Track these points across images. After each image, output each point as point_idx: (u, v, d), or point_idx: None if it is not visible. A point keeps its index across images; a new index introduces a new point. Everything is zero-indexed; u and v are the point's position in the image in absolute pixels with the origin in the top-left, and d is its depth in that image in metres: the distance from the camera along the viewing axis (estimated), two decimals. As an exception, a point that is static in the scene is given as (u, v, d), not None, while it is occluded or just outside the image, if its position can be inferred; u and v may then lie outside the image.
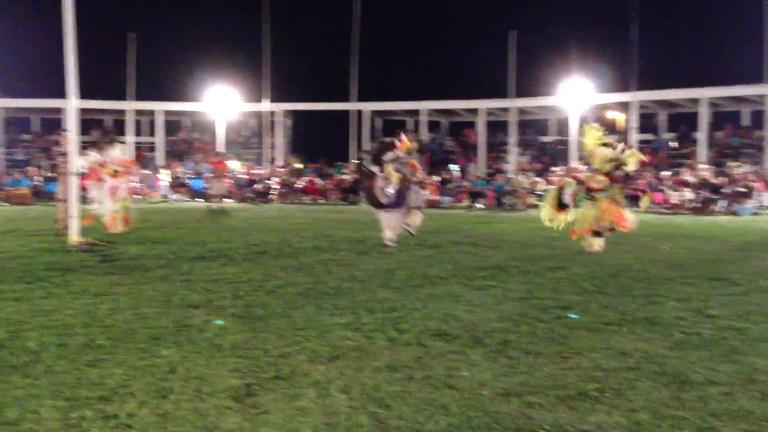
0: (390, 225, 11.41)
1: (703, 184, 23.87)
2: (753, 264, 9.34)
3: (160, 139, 34.57)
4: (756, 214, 21.19)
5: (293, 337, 5.23)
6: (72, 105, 11.27)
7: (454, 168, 31.83)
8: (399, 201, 11.44)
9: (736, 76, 29.01)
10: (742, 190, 22.93)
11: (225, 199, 25.43)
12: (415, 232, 11.99)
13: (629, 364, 4.54)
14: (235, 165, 32.08)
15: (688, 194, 24.00)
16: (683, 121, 31.80)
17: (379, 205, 11.54)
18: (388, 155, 11.74)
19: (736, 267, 9.01)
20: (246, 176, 31.37)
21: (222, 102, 34.10)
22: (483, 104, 33.59)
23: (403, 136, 12.25)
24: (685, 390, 4.05)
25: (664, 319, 5.90)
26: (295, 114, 36.85)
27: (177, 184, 30.34)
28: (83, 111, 33.50)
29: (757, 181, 24.00)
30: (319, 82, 36.68)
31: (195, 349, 4.93)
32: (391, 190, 11.45)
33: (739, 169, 24.74)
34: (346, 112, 34.37)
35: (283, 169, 32.01)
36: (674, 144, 31.49)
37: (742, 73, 29.07)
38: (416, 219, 11.94)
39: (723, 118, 31.17)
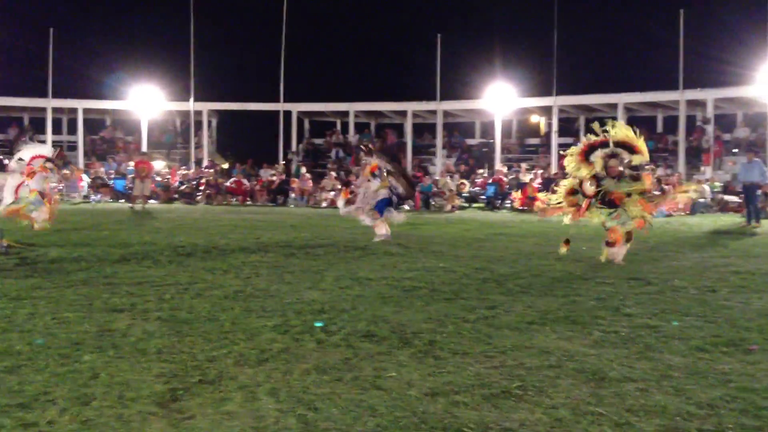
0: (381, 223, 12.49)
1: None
2: (667, 264, 9.69)
3: (80, 137, 33.66)
4: (670, 215, 21.89)
5: (220, 341, 5.19)
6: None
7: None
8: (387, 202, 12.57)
9: (652, 83, 30.02)
10: (656, 193, 23.62)
11: (149, 200, 24.98)
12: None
13: (551, 363, 4.67)
14: (159, 165, 31.52)
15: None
16: (601, 126, 32.58)
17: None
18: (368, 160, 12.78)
19: (651, 267, 9.33)
20: (171, 177, 30.85)
21: (146, 100, 33.40)
22: (410, 106, 33.85)
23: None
24: (603, 387, 4.19)
25: (584, 318, 6.08)
26: (222, 114, 36.41)
27: (99, 185, 29.61)
28: (0, 108, 32.69)
29: (671, 185, 24.80)
30: (246, 82, 36.37)
31: (118, 354, 4.84)
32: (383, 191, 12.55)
33: (653, 172, 25.50)
34: (274, 113, 34.14)
35: (209, 170, 31.59)
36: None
37: (658, 79, 30.08)
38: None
39: (639, 123, 32.02)
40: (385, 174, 12.69)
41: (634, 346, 5.11)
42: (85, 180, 29.19)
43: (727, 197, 24.35)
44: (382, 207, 12.60)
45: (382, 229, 12.52)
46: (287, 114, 34.24)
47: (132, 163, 27.44)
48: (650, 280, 8.16)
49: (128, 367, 4.55)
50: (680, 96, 28.63)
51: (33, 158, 13.89)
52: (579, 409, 3.82)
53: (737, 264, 9.76)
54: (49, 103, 32.83)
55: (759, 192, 19.09)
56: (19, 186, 13.55)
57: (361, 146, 15.85)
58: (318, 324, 5.50)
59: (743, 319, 6.05)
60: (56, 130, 33.95)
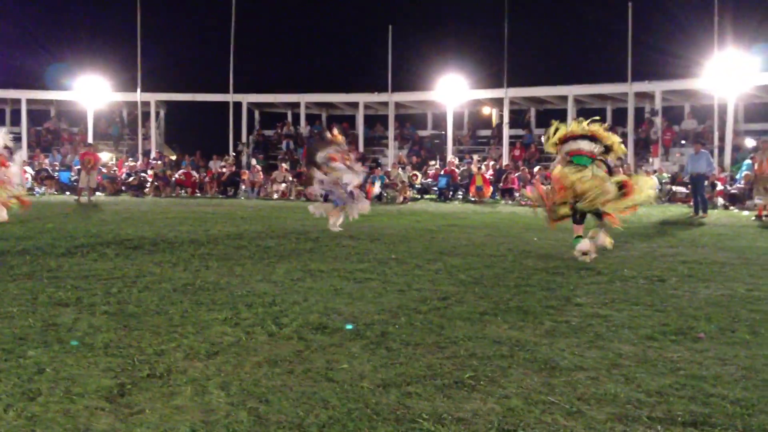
0: (334, 213, 12.94)
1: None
2: (616, 254, 9.83)
3: (24, 129, 32.87)
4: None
5: (169, 334, 5.11)
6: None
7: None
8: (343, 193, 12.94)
9: (601, 75, 30.42)
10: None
11: (95, 193, 24.53)
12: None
13: (502, 352, 4.69)
14: (106, 157, 30.95)
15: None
16: (552, 118, 32.98)
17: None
18: (321, 154, 13.14)
19: (601, 257, 9.45)
20: (118, 168, 30.33)
21: (92, 91, 32.72)
22: (362, 98, 33.81)
23: (335, 130, 13.94)
24: (554, 376, 4.22)
25: (535, 308, 6.13)
26: (171, 105, 35.89)
27: (43, 177, 28.96)
28: (-60, 99, 31.80)
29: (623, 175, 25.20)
30: (195, 72, 35.91)
31: (64, 348, 4.74)
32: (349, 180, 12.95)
33: (603, 163, 25.88)
34: (223, 104, 33.79)
35: (157, 162, 31.13)
36: (544, 139, 32.65)
37: (607, 72, 30.51)
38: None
39: (588, 114, 32.42)
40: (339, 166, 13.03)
41: (585, 336, 5.17)
42: (29, 172, 28.53)
43: (675, 188, 24.83)
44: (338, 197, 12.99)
45: (338, 218, 12.95)
46: (237, 105, 33.92)
47: (78, 155, 26.89)
48: (600, 270, 8.28)
49: (74, 362, 4.45)
50: (629, 88, 29.10)
51: None
52: (531, 398, 3.84)
53: (685, 254, 9.96)
54: (-9, 93, 32.03)
55: (706, 183, 19.51)
56: None
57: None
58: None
59: (691, 308, 6.17)
60: (-1, 120, 33.15)
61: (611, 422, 3.52)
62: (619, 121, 31.46)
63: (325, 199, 13.25)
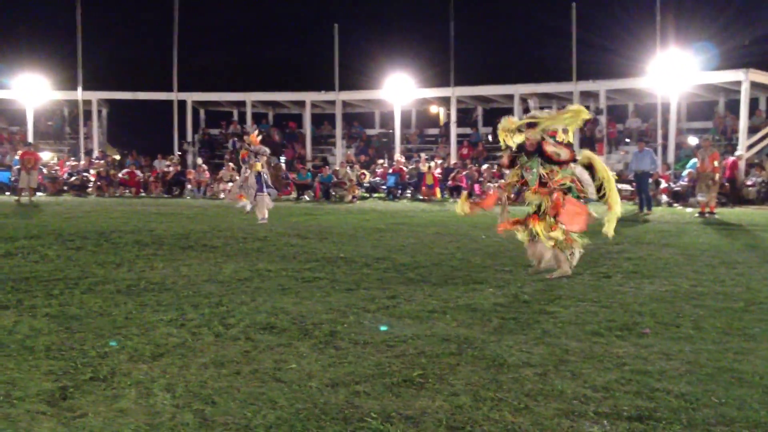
0: (261, 206, 14.13)
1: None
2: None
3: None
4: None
5: (113, 336, 5.02)
6: None
7: (281, 160, 31.70)
8: (264, 186, 14.28)
9: (547, 74, 30.78)
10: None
11: (36, 193, 23.95)
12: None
13: (451, 350, 4.71)
14: (47, 156, 30.25)
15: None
16: (499, 116, 33.27)
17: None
18: (252, 148, 14.56)
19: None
20: (59, 168, 29.66)
21: (31, 89, 31.90)
22: (309, 96, 33.64)
23: (254, 134, 15.24)
24: (502, 372, 4.25)
25: (484, 305, 6.17)
26: (113, 103, 35.20)
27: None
28: None
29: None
30: (138, 70, 35.26)
31: (4, 352, 4.64)
32: (262, 177, 14.28)
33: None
34: (168, 103, 33.29)
35: (100, 161, 30.52)
36: (491, 138, 32.97)
37: (552, 71, 30.88)
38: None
39: (535, 114, 32.94)
40: (254, 160, 14.45)
41: (533, 332, 5.22)
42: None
43: (619, 185, 25.19)
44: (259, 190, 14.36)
45: (263, 212, 14.20)
46: (182, 104, 33.41)
47: (17, 155, 26.22)
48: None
49: (15, 365, 4.36)
50: (574, 87, 29.49)
51: None
52: (479, 395, 3.86)
53: (630, 250, 10.14)
54: (-76, 92, 31.04)
55: (650, 180, 19.87)
56: None
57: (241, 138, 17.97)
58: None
59: (636, 304, 6.28)
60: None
61: (558, 418, 3.56)
62: (563, 120, 31.91)
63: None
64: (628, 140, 29.53)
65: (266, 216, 14.18)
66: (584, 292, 6.83)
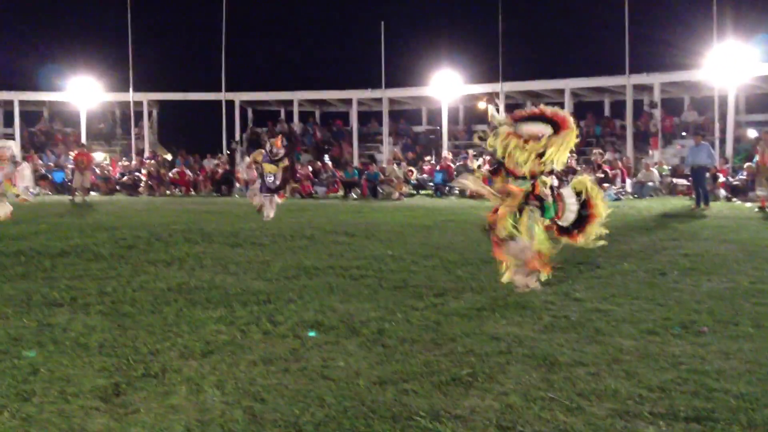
0: (268, 206, 14.60)
1: (567, 171, 24.81)
2: (616, 248, 9.73)
3: (17, 130, 32.73)
4: (618, 199, 22.23)
5: (164, 333, 5.07)
6: None
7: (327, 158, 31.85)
8: (274, 187, 14.76)
9: (599, 68, 30.33)
10: (604, 176, 24.01)
11: (89, 192, 24.45)
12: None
13: (501, 349, 4.65)
14: (99, 157, 30.86)
15: (554, 181, 24.84)
16: (549, 112, 32.88)
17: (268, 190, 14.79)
18: (266, 146, 15.22)
19: (600, 251, 9.34)
20: (112, 168, 30.23)
21: (85, 92, 32.61)
22: (355, 94, 33.72)
23: (278, 139, 15.59)
24: (553, 372, 4.18)
25: (534, 303, 6.08)
26: (163, 104, 35.78)
27: (38, 177, 28.84)
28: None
29: (619, 168, 25.21)
30: (188, 71, 35.80)
31: (59, 349, 4.71)
32: (270, 178, 14.69)
33: (602, 156, 25.90)
34: (216, 102, 33.68)
35: (151, 161, 31.03)
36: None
37: (604, 64, 30.40)
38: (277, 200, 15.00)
39: (586, 107, 32.56)
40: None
41: (585, 331, 5.12)
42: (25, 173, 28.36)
43: (675, 180, 24.80)
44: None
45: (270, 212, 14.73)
46: (230, 103, 33.80)
47: (71, 155, 26.80)
48: (600, 264, 8.20)
49: (69, 362, 4.42)
50: (627, 81, 29.00)
51: None
52: (530, 394, 3.80)
53: (686, 246, 9.88)
54: (-17, 96, 31.92)
55: (707, 175, 19.45)
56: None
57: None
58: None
59: (693, 302, 6.11)
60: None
61: (612, 418, 3.48)
62: (617, 113, 31.40)
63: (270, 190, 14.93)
64: (684, 134, 28.93)
65: (271, 216, 14.54)
66: (639, 290, 6.68)
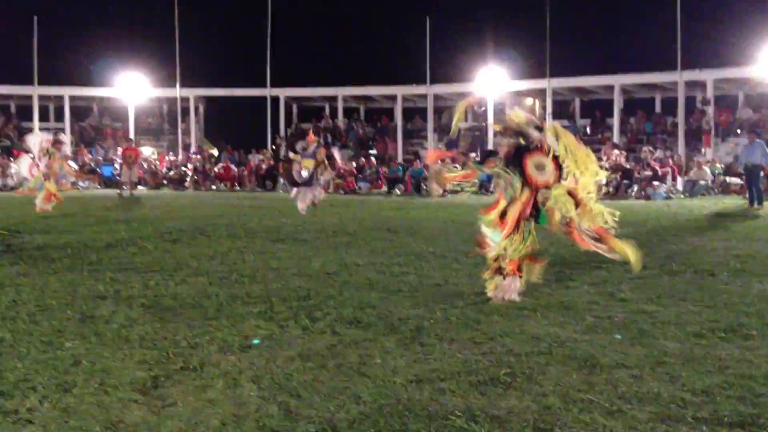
0: (302, 198, 14.95)
1: (617, 169, 24.49)
2: (665, 248, 9.58)
3: (67, 125, 33.39)
4: (668, 198, 21.85)
5: (204, 327, 5.11)
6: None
7: (372, 154, 31.88)
8: (309, 181, 15.04)
9: (649, 64, 29.78)
10: (654, 174, 23.64)
11: (137, 186, 24.85)
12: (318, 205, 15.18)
13: (541, 349, 4.57)
14: (147, 151, 31.33)
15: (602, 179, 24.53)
16: (597, 108, 32.55)
17: (293, 183, 15.37)
18: (299, 144, 15.70)
19: (648, 251, 9.12)
20: (159, 163, 30.67)
21: (133, 87, 33.16)
22: (400, 90, 33.67)
23: (310, 134, 16.44)
24: (595, 374, 4.09)
25: (577, 303, 5.98)
26: (210, 100, 36.19)
27: (87, 171, 29.41)
28: (-14, 96, 32.49)
29: (669, 167, 24.79)
30: (233, 67, 36.09)
31: (101, 341, 4.78)
32: (304, 172, 15.01)
33: (652, 154, 25.50)
34: (261, 98, 33.93)
35: (197, 156, 31.40)
36: (589, 130, 32.26)
37: (655, 60, 29.85)
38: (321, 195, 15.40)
39: (636, 104, 32.04)
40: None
41: (628, 332, 5.00)
42: (73, 167, 28.95)
43: (728, 179, 24.30)
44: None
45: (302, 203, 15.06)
46: (275, 99, 34.03)
47: (119, 150, 27.26)
48: (647, 264, 7.96)
49: (110, 354, 4.49)
50: (679, 77, 28.43)
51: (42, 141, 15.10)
52: (569, 396, 3.72)
53: (737, 247, 9.61)
54: (35, 91, 32.59)
55: (761, 174, 19.00)
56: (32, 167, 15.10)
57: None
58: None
59: (742, 304, 5.92)
60: (43, 117, 33.74)
61: (653, 422, 3.39)
62: (668, 111, 30.83)
63: (303, 183, 15.26)
64: (738, 131, 28.27)
65: (304, 209, 14.88)
66: (686, 291, 6.51)
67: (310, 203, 14.97)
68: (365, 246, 9.71)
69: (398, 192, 26.24)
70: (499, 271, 6.28)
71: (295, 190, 15.35)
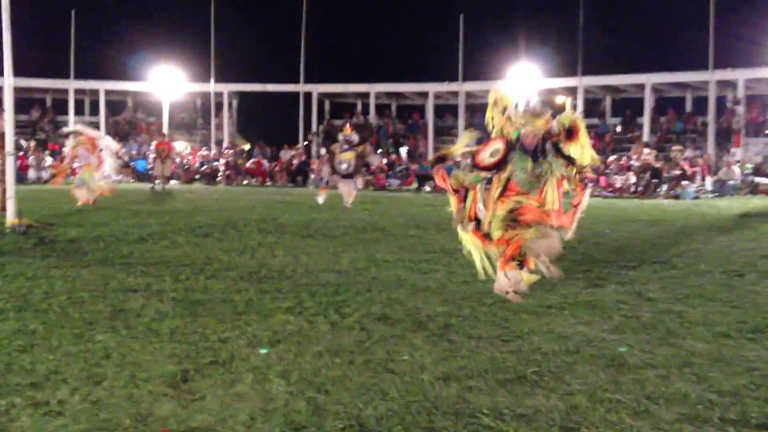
0: (346, 191, 15.79)
1: (646, 169, 24.26)
2: (693, 247, 9.49)
3: (102, 119, 33.80)
4: (698, 198, 21.60)
5: (233, 322, 5.16)
6: (8, 83, 10.93)
7: (403, 150, 31.86)
8: (351, 174, 15.89)
9: (681, 63, 29.46)
10: (684, 174, 23.38)
11: (170, 181, 25.08)
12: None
13: (568, 348, 4.57)
14: (180, 146, 31.59)
15: (632, 178, 24.36)
16: (628, 106, 32.26)
17: (336, 174, 16.05)
18: (339, 136, 16.38)
19: (676, 251, 9.13)
20: (192, 157, 30.93)
21: (167, 82, 33.49)
22: (432, 87, 33.61)
23: (347, 126, 17.42)
24: (622, 373, 4.08)
25: (605, 302, 5.95)
26: (242, 95, 36.41)
27: (120, 165, 29.72)
28: (24, 90, 32.93)
29: (699, 166, 24.50)
30: (267, 63, 36.24)
31: (131, 334, 4.84)
32: (345, 165, 15.76)
33: (681, 153, 25.22)
34: (294, 94, 34.07)
35: (229, 151, 31.62)
36: (619, 129, 31.99)
37: (687, 59, 29.52)
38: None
39: (667, 103, 31.71)
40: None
41: (656, 332, 4.98)
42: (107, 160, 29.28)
43: (757, 179, 23.97)
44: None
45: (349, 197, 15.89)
46: (307, 95, 34.15)
47: (153, 144, 27.54)
48: (675, 264, 7.96)
49: (141, 347, 4.54)
50: (710, 76, 28.11)
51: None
52: (596, 395, 3.72)
53: (766, 248, 9.49)
54: (71, 85, 33.00)
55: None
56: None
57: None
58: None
59: (770, 305, 5.88)
60: (78, 111, 34.14)
61: (680, 423, 3.38)
62: (699, 110, 30.49)
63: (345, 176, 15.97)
64: (768, 132, 27.88)
65: (350, 201, 15.75)
66: (714, 291, 6.45)
67: (351, 196, 15.69)
68: (394, 242, 9.73)
69: (428, 189, 26.20)
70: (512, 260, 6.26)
71: (324, 187, 16.33)
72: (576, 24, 30.16)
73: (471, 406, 3.56)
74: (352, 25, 40.02)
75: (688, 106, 31.76)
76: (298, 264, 7.80)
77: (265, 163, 30.18)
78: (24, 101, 33.03)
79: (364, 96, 35.15)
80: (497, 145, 6.42)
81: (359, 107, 36.03)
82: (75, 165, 16.25)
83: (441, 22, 34.99)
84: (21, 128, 28.31)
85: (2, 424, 3.33)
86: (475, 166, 6.50)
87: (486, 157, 6.42)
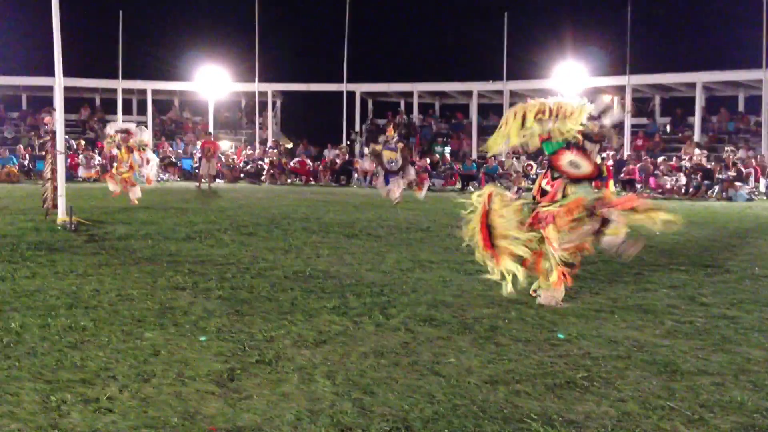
0: (394, 188, 16.15)
1: (697, 169, 23.80)
2: (747, 251, 9.27)
3: (149, 118, 34.29)
4: (751, 200, 21.13)
5: (279, 321, 5.17)
6: (58, 83, 11.12)
7: (446, 150, 31.74)
8: (398, 171, 16.21)
9: (733, 61, 28.86)
10: (737, 175, 22.90)
11: (215, 180, 25.30)
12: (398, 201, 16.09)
13: (619, 353, 4.48)
14: (225, 145, 31.88)
15: (682, 179, 23.93)
16: (678, 106, 31.71)
17: (385, 169, 16.33)
18: (380, 138, 16.84)
19: (730, 254, 8.93)
20: (236, 157, 31.19)
21: (213, 82, 33.86)
22: (476, 86, 33.42)
23: (390, 127, 17.58)
24: (675, 380, 3.99)
25: (656, 306, 5.84)
26: (287, 94, 36.64)
27: (167, 164, 30.13)
28: (73, 89, 33.56)
29: (752, 167, 23.96)
30: (311, 62, 36.46)
31: (179, 331, 4.88)
32: (392, 163, 16.17)
33: (734, 154, 24.71)
34: (337, 93, 34.17)
35: (273, 150, 31.83)
36: (669, 128, 31.46)
37: (739, 57, 28.89)
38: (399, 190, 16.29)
39: (718, 102, 31.10)
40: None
41: (710, 338, 4.86)
42: (154, 159, 29.71)
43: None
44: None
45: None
46: (351, 94, 34.21)
47: (199, 143, 27.82)
48: (729, 268, 7.78)
49: (188, 345, 4.57)
50: (763, 75, 27.47)
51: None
52: (649, 402, 3.64)
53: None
54: (119, 84, 33.52)
55: None
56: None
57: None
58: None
59: (827, 310, 5.71)
60: (126, 110, 34.67)
61: (737, 432, 3.29)
62: (752, 109, 29.82)
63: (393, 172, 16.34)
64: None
65: (399, 197, 16.17)
66: (769, 296, 6.30)
67: (400, 192, 16.13)
68: (439, 243, 9.67)
69: (472, 189, 26.05)
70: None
71: (382, 180, 16.49)
72: (624, 20, 29.71)
73: (519, 411, 3.51)
74: (396, 24, 40.05)
75: (741, 106, 31.09)
76: (342, 264, 7.80)
77: (309, 162, 30.30)
78: (73, 101, 33.64)
79: (408, 95, 35.11)
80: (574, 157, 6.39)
81: (402, 106, 35.99)
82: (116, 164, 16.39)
83: (485, 20, 34.85)
84: (70, 127, 28.82)
85: (53, 420, 3.36)
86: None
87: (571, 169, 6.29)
